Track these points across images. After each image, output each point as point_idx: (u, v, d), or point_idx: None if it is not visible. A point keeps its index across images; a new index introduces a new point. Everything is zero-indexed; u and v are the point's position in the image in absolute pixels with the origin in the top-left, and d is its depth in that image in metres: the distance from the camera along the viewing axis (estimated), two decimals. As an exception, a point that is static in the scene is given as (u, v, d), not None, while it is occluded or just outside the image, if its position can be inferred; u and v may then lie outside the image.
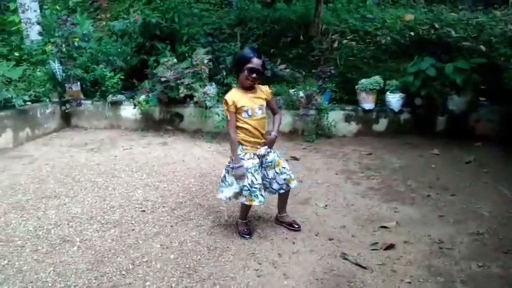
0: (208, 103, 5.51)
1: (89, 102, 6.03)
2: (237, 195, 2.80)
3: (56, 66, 5.78)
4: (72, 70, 5.83)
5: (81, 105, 6.01)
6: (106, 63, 6.08)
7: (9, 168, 4.32)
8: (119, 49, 6.31)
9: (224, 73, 5.85)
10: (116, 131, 5.90)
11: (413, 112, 5.37)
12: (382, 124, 5.46)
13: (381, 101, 5.44)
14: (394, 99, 5.31)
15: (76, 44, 6.16)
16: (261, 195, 2.76)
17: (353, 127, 5.51)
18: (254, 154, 2.75)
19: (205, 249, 2.75)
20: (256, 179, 2.72)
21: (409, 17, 6.69)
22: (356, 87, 5.43)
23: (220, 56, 6.07)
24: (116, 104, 5.94)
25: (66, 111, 6.00)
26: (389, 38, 6.28)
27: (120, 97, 5.93)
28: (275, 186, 2.88)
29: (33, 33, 6.89)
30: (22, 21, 6.94)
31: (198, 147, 5.11)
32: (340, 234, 2.94)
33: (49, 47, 6.25)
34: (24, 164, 4.46)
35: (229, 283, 2.39)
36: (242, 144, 2.76)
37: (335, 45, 6.36)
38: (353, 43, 6.38)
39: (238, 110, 2.71)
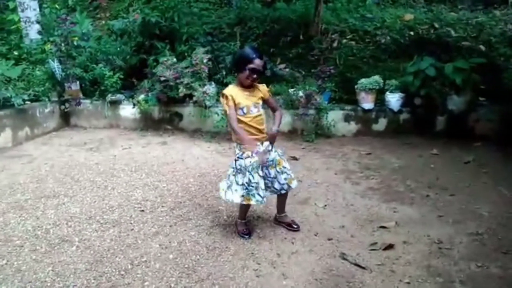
0: (208, 103, 5.51)
1: (88, 101, 6.03)
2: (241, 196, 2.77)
3: (55, 65, 5.78)
4: (72, 69, 5.83)
5: (80, 105, 6.01)
6: (106, 62, 6.08)
7: (8, 167, 4.32)
8: (118, 48, 6.30)
9: (224, 73, 5.85)
10: (115, 130, 5.90)
11: (413, 112, 5.37)
12: (381, 124, 5.46)
13: (380, 101, 5.44)
14: (394, 99, 5.31)
15: (75, 43, 6.16)
16: (259, 194, 2.74)
17: (353, 127, 5.50)
18: (252, 152, 2.73)
19: (204, 249, 2.75)
20: (254, 178, 2.71)
21: (408, 16, 6.68)
22: (356, 86, 5.43)
23: (219, 55, 6.07)
24: (115, 103, 5.93)
25: (65, 110, 6.00)
26: (388, 37, 6.27)
27: (119, 96, 5.92)
28: (276, 185, 2.87)
29: (33, 32, 6.87)
30: (21, 20, 6.92)
31: (197, 147, 5.10)
32: (339, 234, 2.94)
33: (48, 46, 6.24)
34: (23, 163, 4.46)
35: (228, 283, 2.39)
36: (240, 144, 2.76)
37: (335, 44, 6.36)
38: (353, 42, 6.37)
39: (234, 107, 2.72)
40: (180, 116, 5.82)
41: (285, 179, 2.86)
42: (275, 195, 2.99)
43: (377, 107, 5.44)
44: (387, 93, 5.35)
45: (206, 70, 5.61)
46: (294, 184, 2.93)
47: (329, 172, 4.22)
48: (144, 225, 3.09)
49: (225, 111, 2.76)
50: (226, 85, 5.64)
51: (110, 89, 5.88)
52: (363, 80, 5.39)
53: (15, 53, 6.72)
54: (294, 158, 4.54)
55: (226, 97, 2.71)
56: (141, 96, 5.72)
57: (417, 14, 6.85)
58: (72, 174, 4.13)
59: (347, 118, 5.49)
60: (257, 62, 2.66)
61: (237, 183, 2.74)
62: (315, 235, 2.93)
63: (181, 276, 2.45)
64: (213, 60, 5.88)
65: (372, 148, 4.93)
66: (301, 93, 5.33)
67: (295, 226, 3.00)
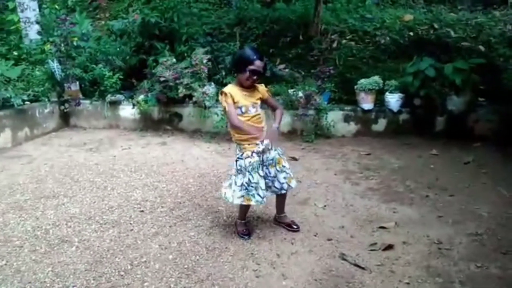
0: (207, 103, 5.51)
1: (88, 101, 6.03)
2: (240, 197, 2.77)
3: (55, 65, 5.78)
4: (71, 69, 5.82)
5: (79, 105, 6.00)
6: (105, 62, 6.08)
7: (7, 168, 4.32)
8: (118, 49, 6.30)
9: (223, 73, 5.85)
10: (115, 131, 5.90)
11: (412, 113, 5.37)
12: (381, 124, 5.46)
13: (380, 101, 5.44)
14: (393, 99, 5.31)
15: (75, 43, 6.15)
16: (258, 194, 2.74)
17: (352, 127, 5.50)
18: (252, 152, 2.73)
19: (203, 249, 2.75)
20: (253, 178, 2.71)
21: (408, 17, 6.68)
22: (355, 87, 5.43)
23: (219, 56, 6.07)
24: (115, 104, 5.93)
25: (65, 110, 5.99)
26: (388, 38, 6.27)
27: (119, 96, 5.92)
28: (277, 184, 2.87)
29: (32, 32, 6.87)
30: (21, 20, 6.91)
31: (197, 147, 5.10)
32: (339, 235, 2.94)
33: (48, 47, 6.23)
34: (23, 164, 4.46)
35: (227, 284, 2.39)
36: (239, 144, 2.76)
37: (334, 45, 6.35)
38: (352, 43, 6.37)
39: (233, 105, 2.71)
40: (179, 117, 5.82)
41: (285, 178, 2.86)
42: (275, 196, 2.99)
43: (377, 108, 5.44)
44: (387, 93, 5.35)
45: (206, 71, 5.61)
46: (293, 183, 2.93)
47: (329, 172, 4.22)
48: (144, 225, 3.09)
49: (224, 108, 2.75)
50: (225, 85, 5.62)
51: (110, 89, 5.88)
52: (362, 81, 5.39)
53: (15, 53, 6.71)
54: (294, 159, 4.54)
55: (225, 95, 2.71)
56: (141, 97, 5.71)
57: (416, 15, 6.84)
58: (71, 174, 4.13)
59: (346, 119, 5.50)
60: (258, 64, 2.65)
61: (236, 184, 2.75)
62: (315, 236, 2.93)
63: (181, 277, 2.45)
64: (212, 60, 5.88)
65: (371, 149, 4.93)
66: (300, 94, 5.33)
67: (295, 227, 3.00)
